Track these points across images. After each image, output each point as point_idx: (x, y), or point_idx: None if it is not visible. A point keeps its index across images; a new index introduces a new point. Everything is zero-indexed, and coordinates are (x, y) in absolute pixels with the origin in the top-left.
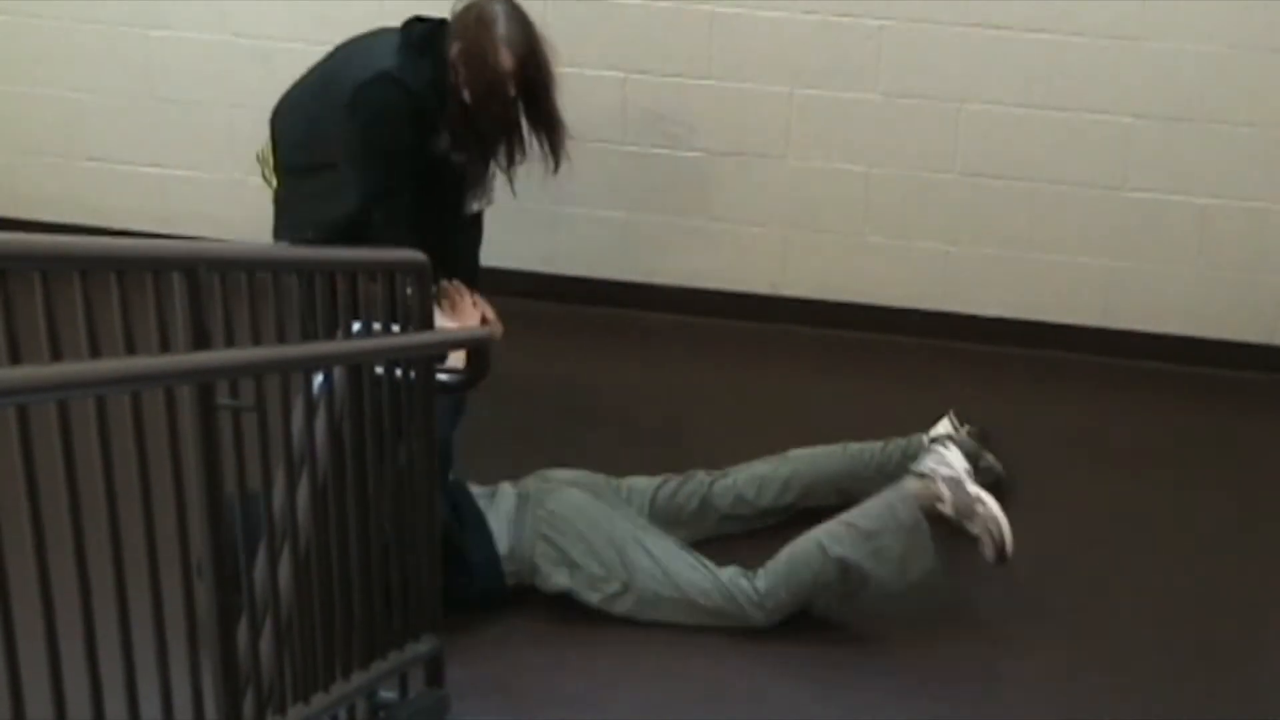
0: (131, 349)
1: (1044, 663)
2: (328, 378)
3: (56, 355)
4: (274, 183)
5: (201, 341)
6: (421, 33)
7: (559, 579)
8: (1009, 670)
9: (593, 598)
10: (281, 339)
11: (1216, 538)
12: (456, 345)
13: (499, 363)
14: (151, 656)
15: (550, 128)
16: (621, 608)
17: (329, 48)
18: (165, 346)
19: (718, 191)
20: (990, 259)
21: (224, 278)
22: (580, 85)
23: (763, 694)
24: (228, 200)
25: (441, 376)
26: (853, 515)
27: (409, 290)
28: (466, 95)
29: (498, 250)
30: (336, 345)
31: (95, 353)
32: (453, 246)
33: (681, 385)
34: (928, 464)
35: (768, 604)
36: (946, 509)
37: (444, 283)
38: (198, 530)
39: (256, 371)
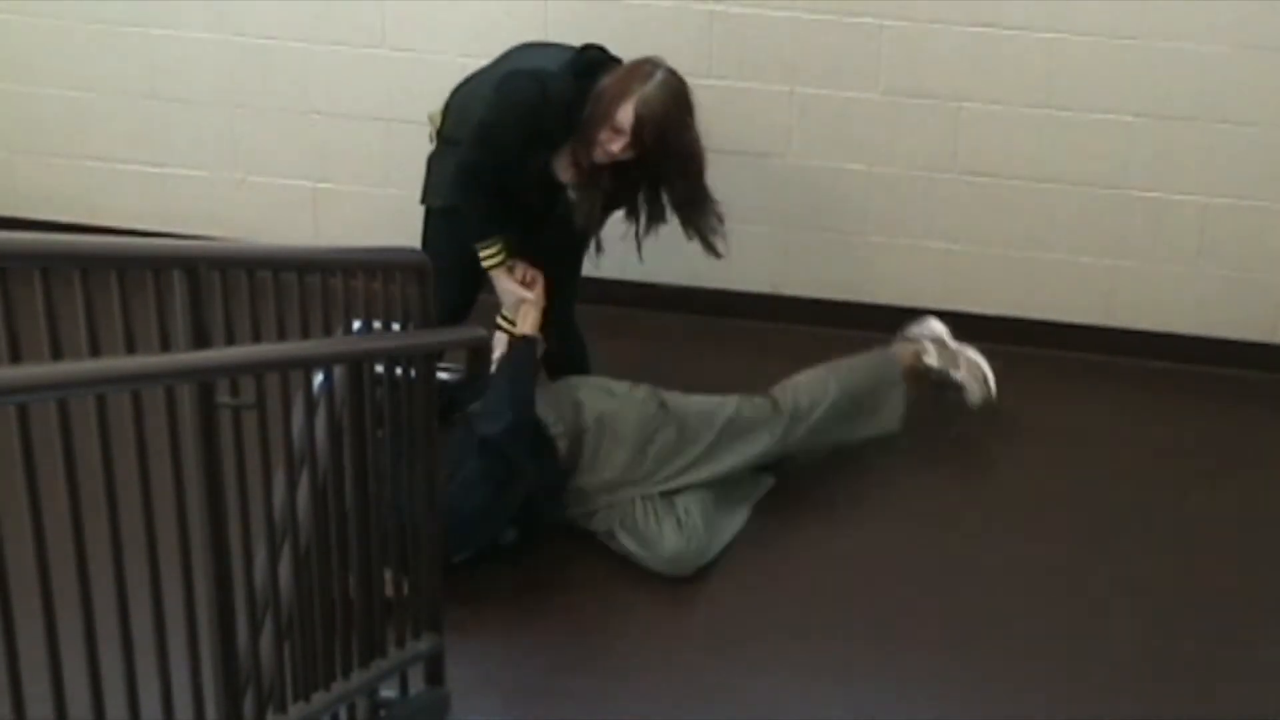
0: (132, 348)
1: (1043, 662)
2: (328, 376)
3: (57, 354)
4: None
5: (202, 340)
6: (591, 59)
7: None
8: (1008, 670)
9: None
10: (282, 337)
11: (1215, 536)
12: (456, 344)
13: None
14: (152, 655)
15: (680, 204)
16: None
17: (329, 47)
18: (166, 345)
19: (718, 191)
20: (991, 258)
21: (224, 276)
22: None
23: (766, 693)
24: (229, 199)
25: (442, 375)
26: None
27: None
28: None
29: None
30: (336, 343)
31: (96, 351)
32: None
33: (680, 384)
34: (913, 330)
35: (784, 404)
36: (931, 360)
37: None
38: (198, 528)
39: (257, 370)
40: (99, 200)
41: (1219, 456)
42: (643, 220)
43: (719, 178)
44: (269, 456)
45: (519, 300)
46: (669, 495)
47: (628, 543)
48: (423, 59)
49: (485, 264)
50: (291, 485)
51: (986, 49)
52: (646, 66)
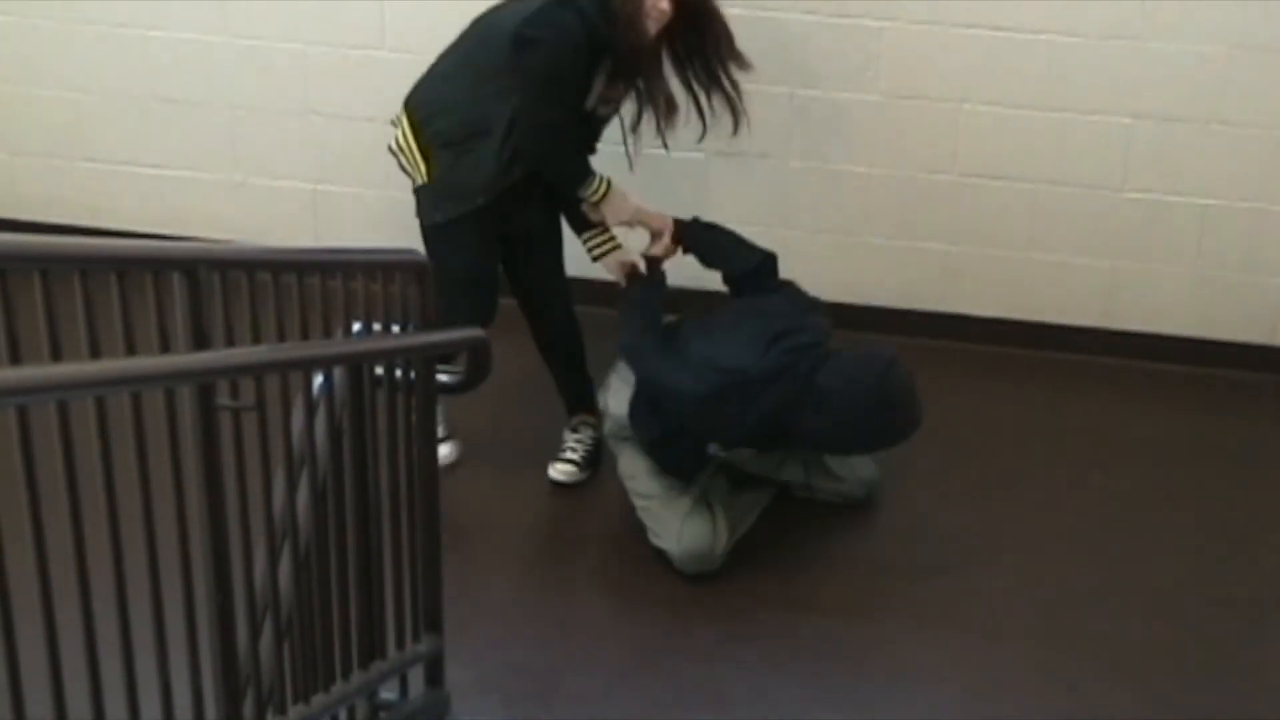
0: (132, 349)
1: (1042, 663)
2: (328, 378)
3: (56, 355)
4: (420, 169)
5: (201, 342)
6: None
7: None
8: (1006, 670)
9: None
10: (281, 339)
11: (1215, 537)
12: (457, 346)
13: None
14: (152, 656)
15: (721, 60)
16: None
17: (328, 48)
18: (165, 347)
19: (718, 191)
20: (990, 260)
21: (224, 278)
22: None
23: (763, 693)
24: (228, 201)
25: (442, 377)
26: None
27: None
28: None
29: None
30: (336, 345)
31: (95, 353)
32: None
33: None
34: None
35: None
36: None
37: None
38: (197, 530)
39: (256, 372)
40: (99, 202)
41: (1220, 457)
42: (702, 98)
43: (720, 178)
44: (269, 458)
45: (631, 210)
46: None
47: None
48: (422, 60)
49: (595, 198)
50: (291, 487)
51: (987, 49)
52: None
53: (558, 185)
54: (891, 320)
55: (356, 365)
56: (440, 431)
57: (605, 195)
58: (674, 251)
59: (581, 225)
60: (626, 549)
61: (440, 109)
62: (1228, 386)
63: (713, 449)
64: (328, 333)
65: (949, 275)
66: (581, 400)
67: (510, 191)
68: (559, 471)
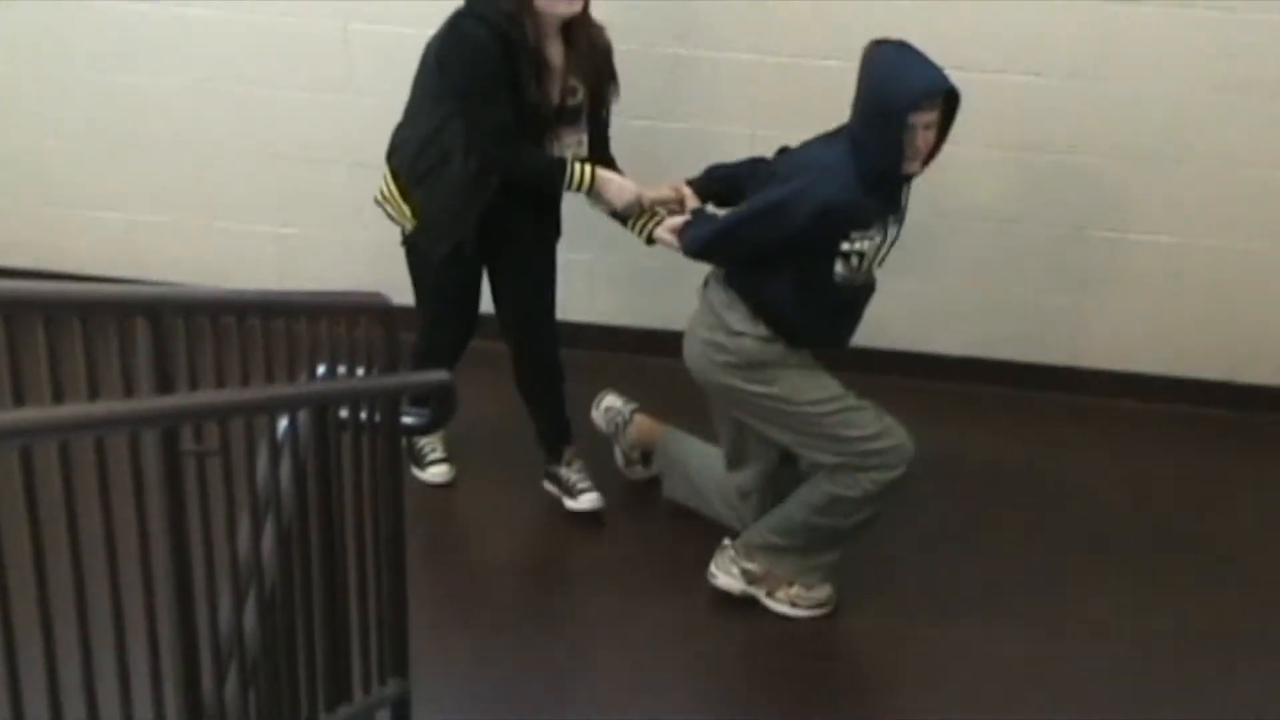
0: (95, 394)
1: (1015, 690)
2: (293, 421)
3: (19, 400)
4: (405, 214)
5: (166, 386)
6: None
7: None
8: (981, 697)
9: None
10: (246, 383)
11: (1179, 575)
12: (422, 387)
13: None
14: (117, 701)
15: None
16: None
17: (294, 91)
18: (129, 391)
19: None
20: (958, 298)
21: (188, 321)
22: None
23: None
24: (192, 244)
25: (406, 419)
26: None
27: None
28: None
29: None
30: (301, 388)
31: (59, 398)
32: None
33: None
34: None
35: None
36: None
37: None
38: (163, 576)
39: (221, 416)
40: (63, 246)
41: (1186, 495)
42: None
43: None
44: (234, 502)
45: (633, 191)
46: None
47: None
48: (387, 103)
49: (581, 188)
50: (256, 531)
51: (964, 88)
52: None
53: (536, 187)
54: (861, 360)
55: (321, 408)
56: (438, 453)
57: (593, 181)
58: (701, 204)
59: (621, 219)
60: (612, 583)
61: (407, 149)
62: (1194, 423)
63: None
64: (292, 376)
65: (918, 314)
66: (565, 434)
67: (496, 209)
68: (588, 500)
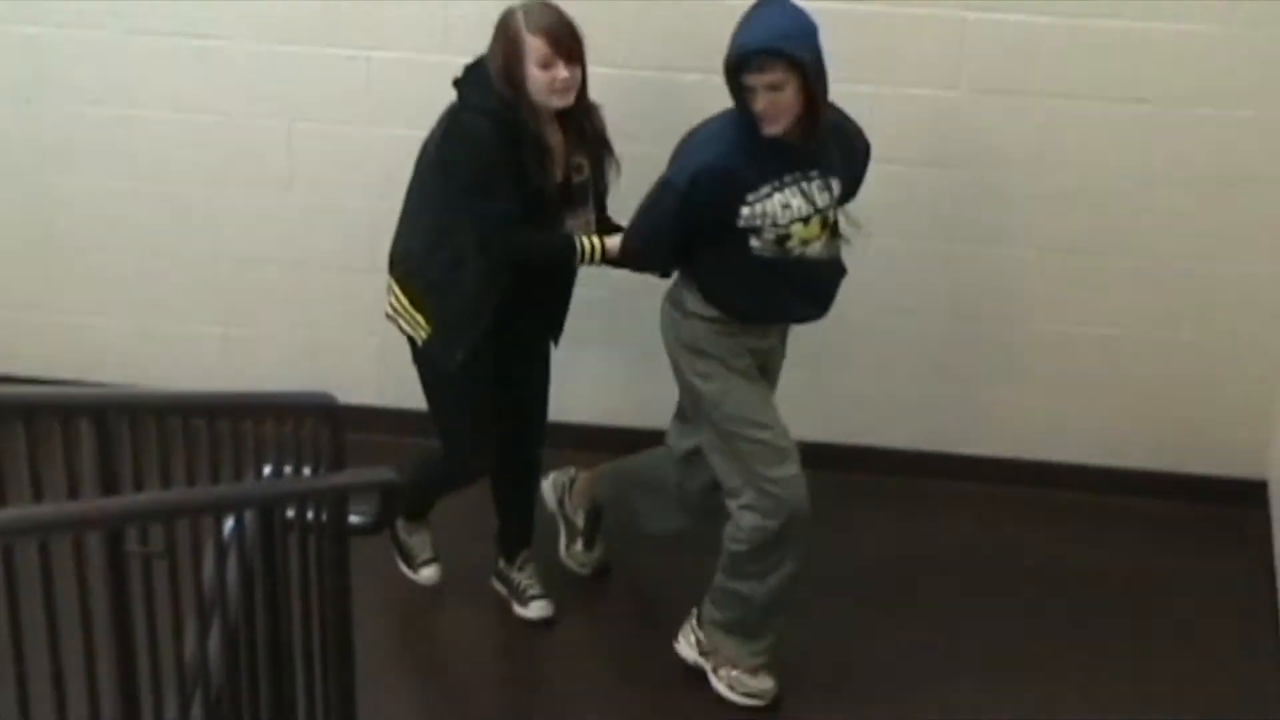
0: (39, 496)
1: None
2: (239, 521)
3: None
4: (419, 323)
5: (110, 487)
6: (464, 74)
7: None
8: None
9: None
10: (192, 483)
11: (1121, 668)
12: (367, 487)
13: None
14: None
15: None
16: None
17: (240, 191)
18: (74, 493)
19: (627, 325)
20: (900, 392)
21: (133, 423)
22: None
23: None
24: (137, 345)
25: (353, 519)
26: None
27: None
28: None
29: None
30: (247, 488)
31: (2, 501)
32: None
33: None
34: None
35: None
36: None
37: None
38: (108, 679)
39: (166, 517)
40: (5, 347)
41: (1127, 588)
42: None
43: (630, 312)
44: (180, 604)
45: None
46: None
47: None
48: (331, 203)
49: (595, 257)
50: (203, 633)
51: (889, 183)
52: (508, 14)
53: (549, 266)
54: (803, 455)
55: (267, 508)
56: (428, 552)
57: (604, 250)
58: None
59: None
60: (567, 681)
61: (415, 258)
62: (1138, 515)
63: None
64: (238, 476)
65: (857, 409)
66: (526, 536)
67: (505, 307)
68: (539, 608)
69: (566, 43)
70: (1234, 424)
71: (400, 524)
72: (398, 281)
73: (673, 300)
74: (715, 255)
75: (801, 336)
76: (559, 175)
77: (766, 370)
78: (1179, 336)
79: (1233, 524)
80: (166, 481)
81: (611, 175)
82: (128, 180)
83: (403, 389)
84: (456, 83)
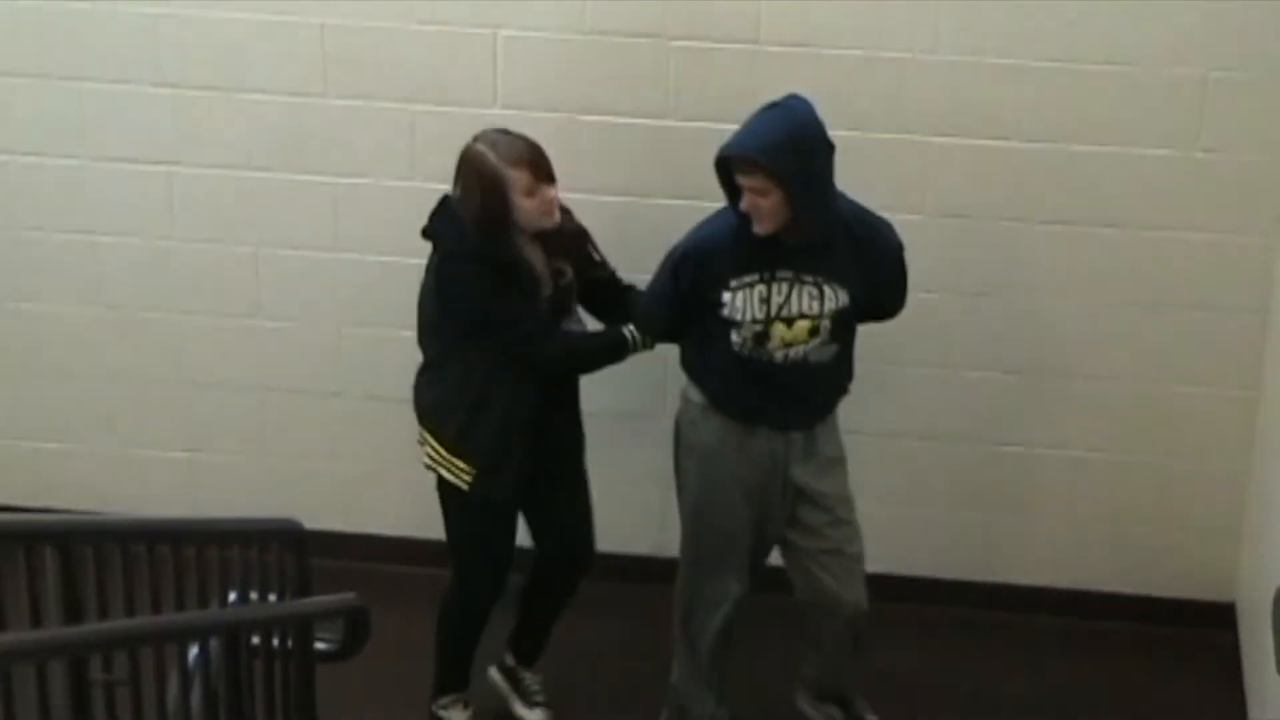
0: (2, 624)
1: None
2: (204, 648)
3: None
4: (459, 470)
5: (74, 615)
6: (431, 221)
7: None
8: None
9: None
10: (157, 610)
11: None
12: (333, 612)
13: None
14: None
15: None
16: None
17: (203, 316)
18: (37, 621)
19: (601, 452)
20: (869, 517)
21: (98, 550)
22: None
23: None
24: (101, 471)
25: (319, 645)
26: None
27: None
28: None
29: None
30: (211, 615)
31: None
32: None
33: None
34: None
35: None
36: None
37: None
38: None
39: (130, 645)
40: None
41: (1098, 710)
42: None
43: (606, 438)
44: None
45: None
46: None
47: None
48: (299, 327)
49: (641, 344)
50: None
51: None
52: (470, 146)
53: (604, 363)
54: (775, 578)
55: (233, 635)
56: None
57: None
58: None
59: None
60: None
61: (445, 407)
62: (1104, 638)
63: None
64: (203, 603)
65: None
66: (543, 648)
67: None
68: (541, 715)
69: (545, 165)
70: (1201, 546)
71: (437, 704)
72: (431, 433)
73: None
74: (701, 340)
75: None
76: (548, 289)
77: (793, 494)
78: (1145, 459)
79: (1202, 646)
80: (131, 608)
81: (595, 251)
82: (91, 305)
83: (368, 514)
84: (426, 232)
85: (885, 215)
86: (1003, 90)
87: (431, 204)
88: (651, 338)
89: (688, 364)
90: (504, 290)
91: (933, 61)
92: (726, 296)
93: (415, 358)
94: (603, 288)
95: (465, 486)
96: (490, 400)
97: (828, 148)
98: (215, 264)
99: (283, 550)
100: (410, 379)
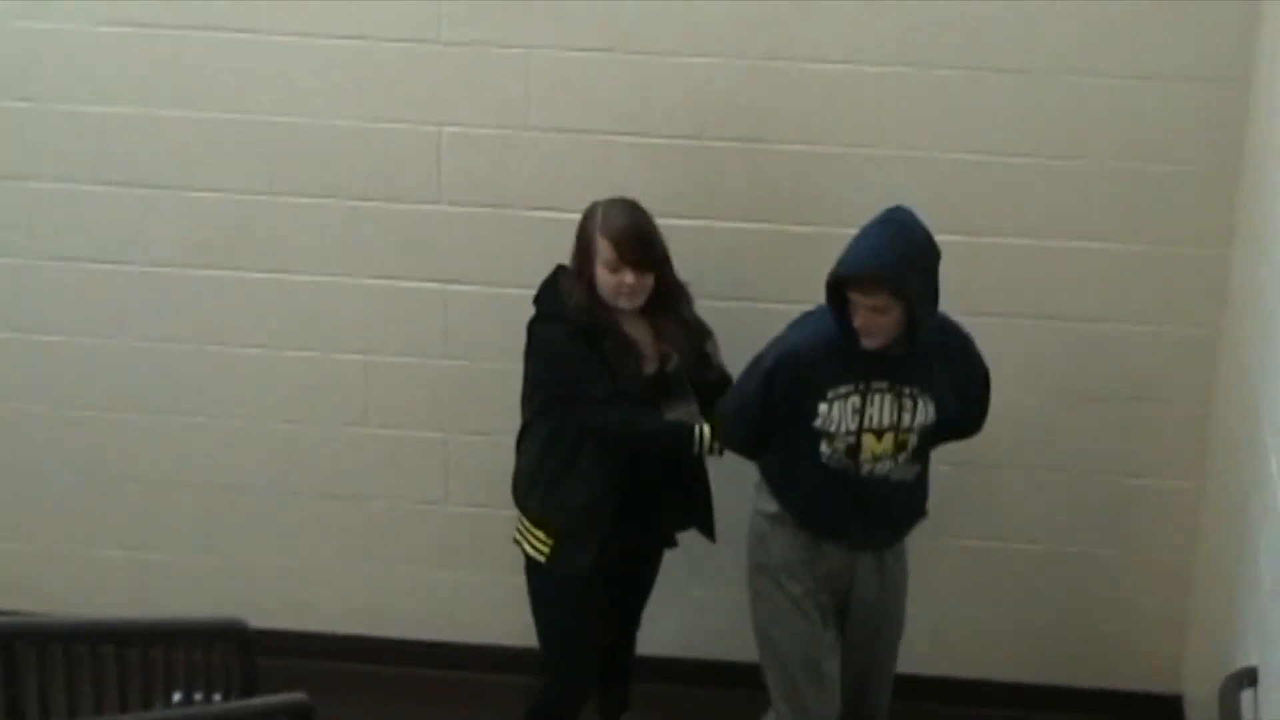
0: None
1: None
2: None
3: None
4: (538, 540)
5: (16, 717)
6: (541, 287)
7: None
8: None
9: None
10: (100, 711)
11: None
12: (279, 711)
13: None
14: None
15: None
16: None
17: (146, 414)
18: None
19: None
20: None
21: (40, 651)
22: (403, 446)
23: None
24: (42, 572)
25: None
26: None
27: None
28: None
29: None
30: (156, 716)
31: None
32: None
33: None
34: None
35: None
36: None
37: None
38: None
39: None
40: None
41: None
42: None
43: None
44: None
45: None
46: None
47: None
48: (244, 427)
49: (712, 445)
50: None
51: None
52: (590, 210)
53: (665, 450)
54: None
55: None
56: None
57: (715, 437)
58: None
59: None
60: None
61: (527, 475)
62: None
63: None
64: (147, 704)
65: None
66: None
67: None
68: None
69: (634, 250)
70: (1148, 638)
71: None
72: (518, 504)
73: (755, 502)
74: (787, 451)
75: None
76: (650, 367)
77: (847, 609)
78: (1091, 552)
79: None
80: (73, 710)
81: (713, 353)
82: (35, 403)
83: (316, 612)
84: (535, 299)
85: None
86: (942, 186)
87: (376, 299)
88: (730, 447)
89: (769, 474)
90: (583, 355)
91: (872, 156)
92: (823, 408)
93: (364, 452)
94: (708, 388)
95: (542, 559)
96: (575, 469)
97: (939, 259)
98: (161, 361)
99: (227, 650)
100: (356, 473)
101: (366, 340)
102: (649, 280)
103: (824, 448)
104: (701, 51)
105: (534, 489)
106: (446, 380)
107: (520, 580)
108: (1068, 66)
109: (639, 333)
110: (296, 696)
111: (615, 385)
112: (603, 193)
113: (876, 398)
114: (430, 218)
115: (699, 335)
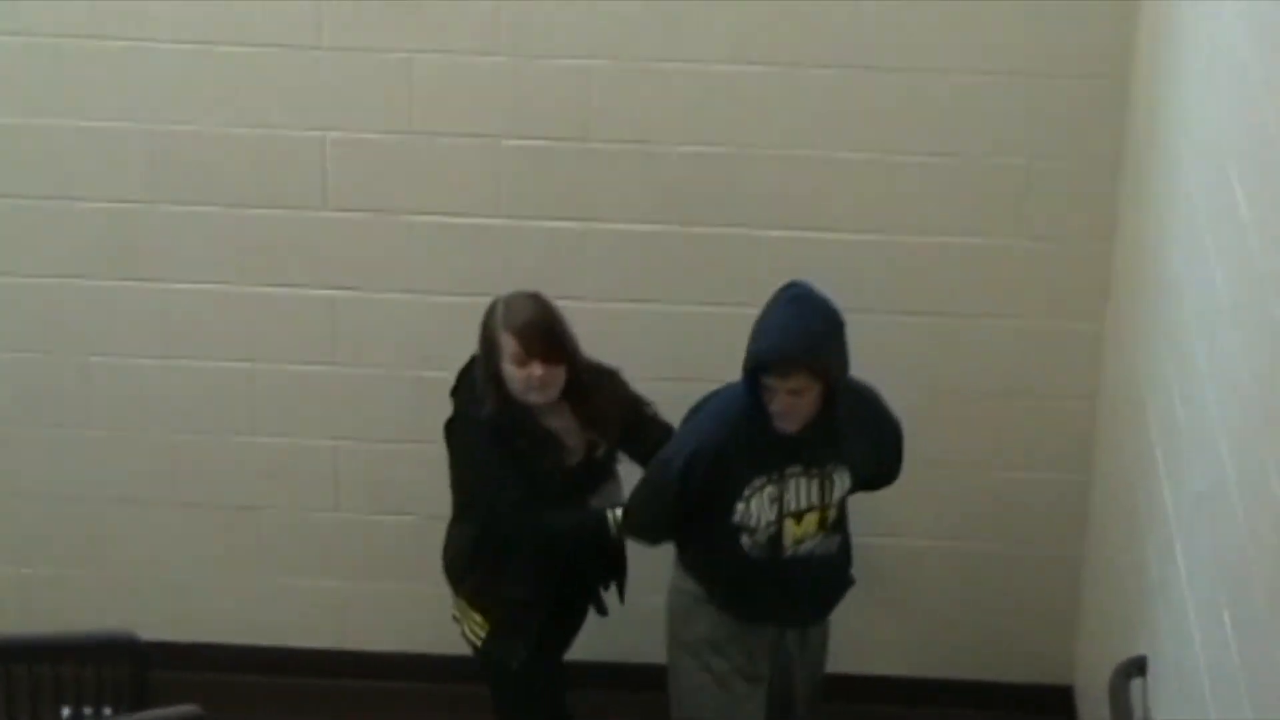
0: None
1: None
2: None
3: None
4: (476, 622)
5: None
6: (456, 380)
7: None
8: None
9: None
10: None
11: None
12: None
13: None
14: None
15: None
16: None
17: (24, 426)
18: None
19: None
20: None
21: None
22: (291, 455)
23: None
24: None
25: None
26: None
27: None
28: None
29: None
30: None
31: None
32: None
33: None
34: None
35: None
36: None
37: None
38: None
39: None
40: None
41: None
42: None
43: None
44: None
45: None
46: None
47: None
48: (130, 437)
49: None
50: None
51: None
52: (491, 307)
53: (581, 542)
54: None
55: None
56: None
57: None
58: None
59: None
60: None
61: (459, 566)
62: None
63: None
64: None
65: (650, 624)
66: None
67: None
68: None
69: (541, 342)
70: (1038, 631)
71: None
72: (450, 581)
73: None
74: (705, 544)
75: None
76: (575, 458)
77: (778, 677)
78: (980, 546)
79: None
80: None
81: (654, 415)
82: None
83: (208, 623)
84: (452, 391)
85: None
86: (826, 183)
87: (262, 307)
88: (634, 538)
89: (688, 565)
90: (497, 460)
91: (755, 155)
92: (739, 506)
93: (253, 461)
94: (657, 444)
95: (478, 642)
96: (509, 565)
97: (844, 327)
98: (44, 373)
99: (119, 663)
100: (244, 483)
101: (253, 348)
102: (560, 372)
103: (744, 540)
104: (585, 53)
105: (468, 575)
106: (335, 387)
107: (413, 588)
108: (947, 64)
109: (562, 422)
110: (190, 708)
111: (535, 482)
112: (488, 194)
113: (792, 483)
114: (316, 224)
115: (634, 409)
